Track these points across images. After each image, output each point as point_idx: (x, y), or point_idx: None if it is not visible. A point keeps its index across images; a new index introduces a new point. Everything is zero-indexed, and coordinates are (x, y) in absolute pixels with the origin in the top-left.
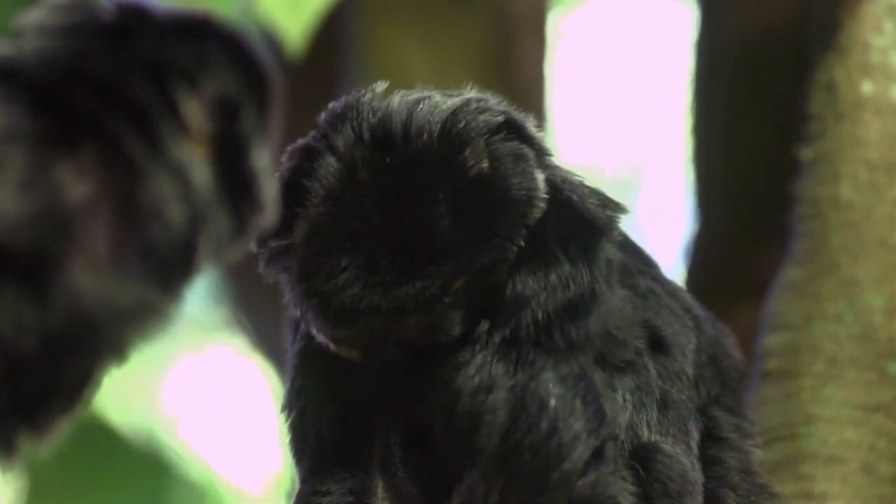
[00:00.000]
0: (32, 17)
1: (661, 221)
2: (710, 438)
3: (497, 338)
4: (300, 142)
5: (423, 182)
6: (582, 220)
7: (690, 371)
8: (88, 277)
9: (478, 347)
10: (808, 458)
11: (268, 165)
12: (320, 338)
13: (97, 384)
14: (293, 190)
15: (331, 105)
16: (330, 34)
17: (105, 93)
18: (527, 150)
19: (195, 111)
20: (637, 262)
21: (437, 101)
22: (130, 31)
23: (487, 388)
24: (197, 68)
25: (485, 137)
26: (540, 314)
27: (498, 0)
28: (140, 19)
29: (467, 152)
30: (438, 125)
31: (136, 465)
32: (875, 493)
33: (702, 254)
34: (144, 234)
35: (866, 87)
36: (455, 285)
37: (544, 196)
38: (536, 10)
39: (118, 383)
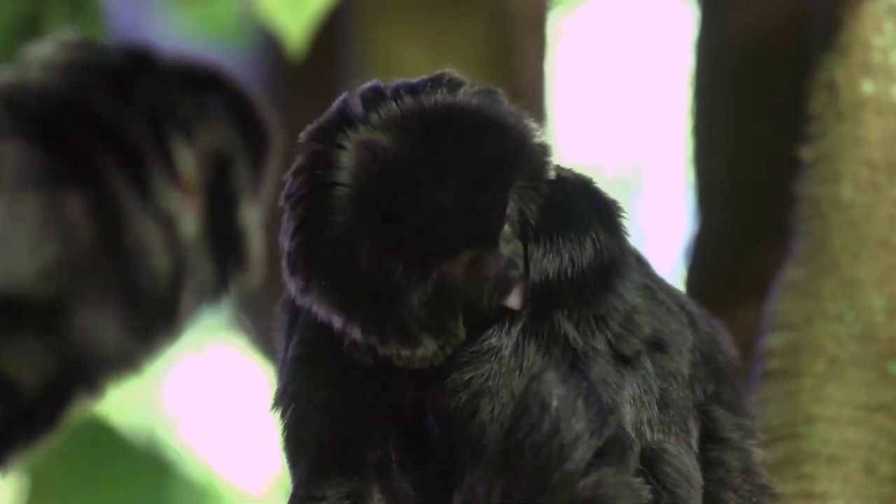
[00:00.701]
0: (38, 52)
1: (662, 221)
2: (711, 439)
3: (526, 311)
4: (301, 161)
5: (441, 152)
6: (602, 197)
7: (686, 371)
8: (88, 322)
9: (506, 327)
10: (808, 458)
11: (257, 223)
12: (388, 349)
13: (70, 413)
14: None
15: (311, 127)
16: (330, 34)
17: (101, 133)
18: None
19: (188, 161)
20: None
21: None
22: (134, 74)
23: (521, 369)
24: (195, 119)
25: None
26: (574, 275)
27: (498, 0)
28: (145, 64)
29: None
30: (440, 95)
31: (137, 465)
32: (876, 492)
33: (702, 254)
34: (129, 281)
35: (867, 87)
36: (507, 220)
37: (551, 146)
38: (536, 10)
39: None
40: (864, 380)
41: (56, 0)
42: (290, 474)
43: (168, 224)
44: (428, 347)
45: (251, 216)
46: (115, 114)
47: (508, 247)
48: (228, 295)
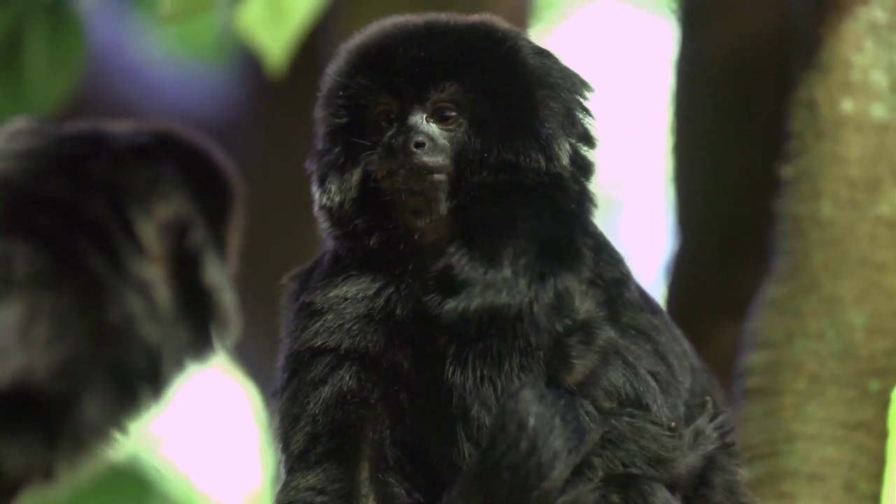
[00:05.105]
0: None
1: (643, 239)
2: None
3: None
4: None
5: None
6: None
7: (682, 409)
8: (88, 409)
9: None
10: (789, 476)
11: (225, 278)
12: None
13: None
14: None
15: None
16: (311, 52)
17: (67, 217)
18: None
19: (150, 232)
20: (644, 303)
21: None
22: (87, 156)
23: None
24: (149, 193)
25: None
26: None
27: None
28: (97, 143)
29: None
30: None
31: (118, 483)
32: None
33: (683, 271)
34: (119, 358)
35: (847, 106)
36: None
37: None
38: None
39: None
40: (845, 398)
41: (37, 17)
42: (280, 452)
43: (146, 292)
44: None
45: (218, 274)
46: (76, 196)
47: None
48: (213, 352)
